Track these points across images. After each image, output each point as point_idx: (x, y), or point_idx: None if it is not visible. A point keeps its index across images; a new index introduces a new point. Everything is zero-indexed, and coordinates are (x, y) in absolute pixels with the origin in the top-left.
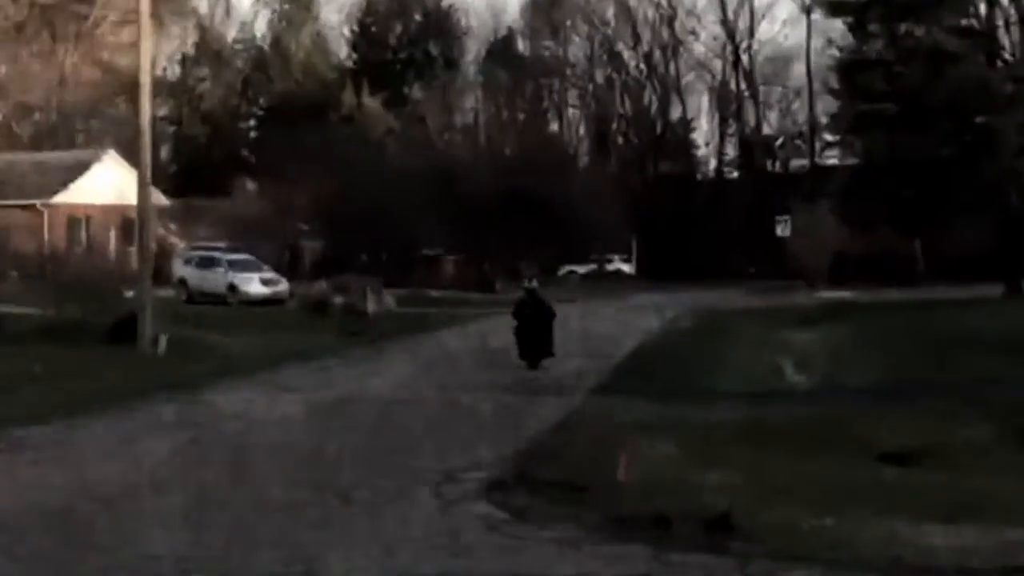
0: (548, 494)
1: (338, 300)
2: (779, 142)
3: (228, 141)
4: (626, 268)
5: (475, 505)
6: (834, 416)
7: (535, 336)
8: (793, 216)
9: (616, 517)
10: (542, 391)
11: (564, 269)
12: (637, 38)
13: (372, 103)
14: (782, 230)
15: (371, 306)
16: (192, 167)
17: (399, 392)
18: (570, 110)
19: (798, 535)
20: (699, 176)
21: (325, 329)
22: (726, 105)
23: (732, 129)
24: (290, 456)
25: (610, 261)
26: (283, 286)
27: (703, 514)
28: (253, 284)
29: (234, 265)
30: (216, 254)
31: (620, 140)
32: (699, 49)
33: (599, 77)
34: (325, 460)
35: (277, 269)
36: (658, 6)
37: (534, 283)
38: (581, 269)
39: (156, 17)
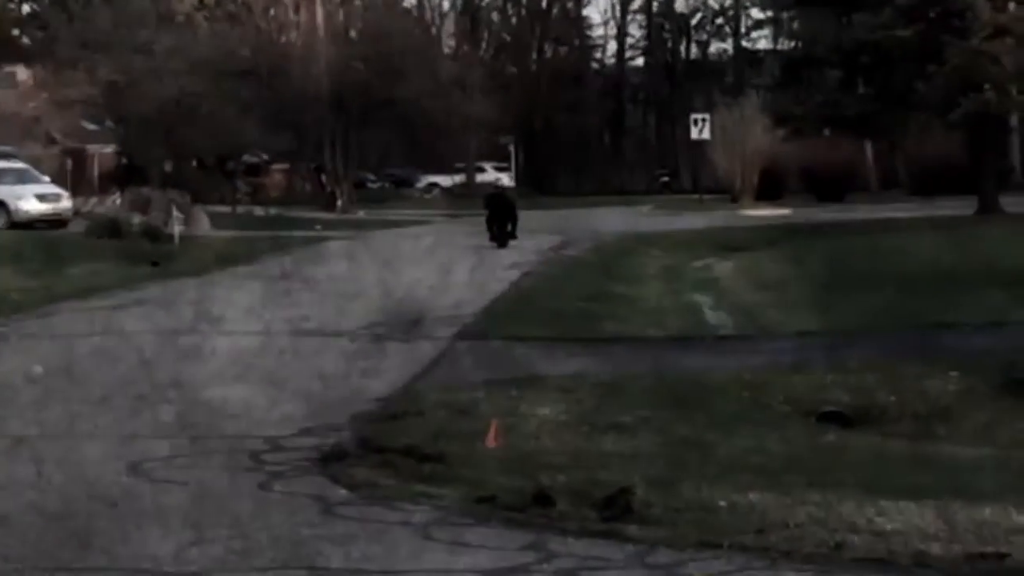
0: (398, 466)
1: (135, 220)
2: (696, 21)
3: None
4: (503, 180)
5: (306, 480)
6: (762, 367)
7: (503, 223)
8: (713, 115)
9: (484, 495)
10: (389, 336)
11: (423, 181)
12: None
13: None
14: (699, 132)
15: (177, 228)
16: None
17: (204, 340)
18: None
19: (714, 516)
20: (595, 65)
21: (117, 257)
22: None
23: (636, 4)
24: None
25: (483, 171)
26: (64, 203)
27: (595, 491)
28: (26, 200)
29: (2, 176)
30: None
31: (495, 18)
32: None
33: None
34: (103, 429)
35: (57, 181)
36: None
37: (503, 182)
38: (445, 181)
39: None
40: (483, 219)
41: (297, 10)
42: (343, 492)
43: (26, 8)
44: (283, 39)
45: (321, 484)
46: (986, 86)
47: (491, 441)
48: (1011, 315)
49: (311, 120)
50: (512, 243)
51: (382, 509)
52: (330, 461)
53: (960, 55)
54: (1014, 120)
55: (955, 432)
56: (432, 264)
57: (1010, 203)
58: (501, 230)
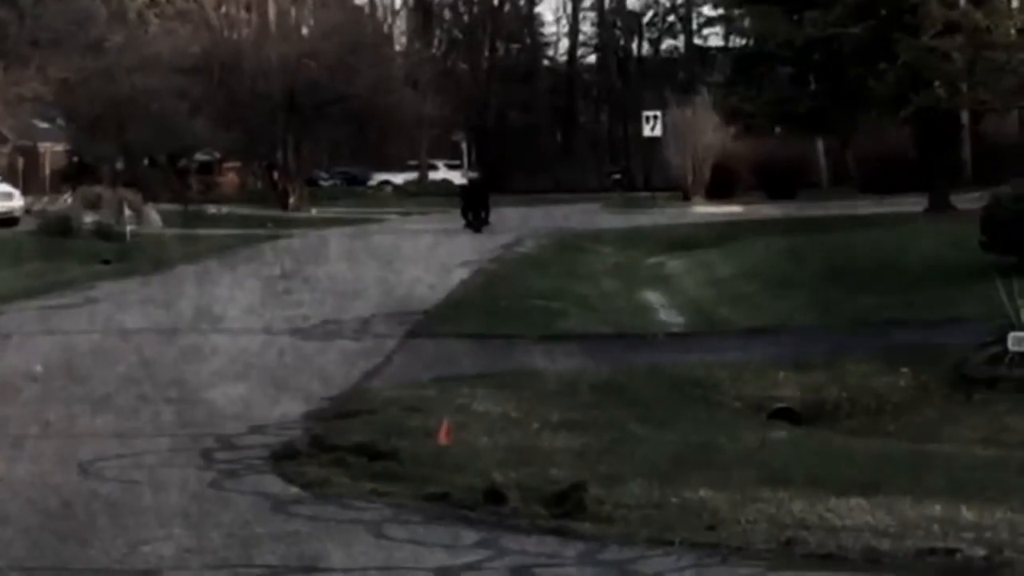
0: (350, 464)
1: (87, 219)
2: (647, 18)
3: None
4: (455, 177)
5: (258, 478)
6: (714, 364)
7: (477, 211)
8: (665, 112)
9: (435, 492)
10: (342, 334)
11: (376, 179)
12: None
13: None
14: (651, 129)
15: (129, 227)
16: None
17: (158, 338)
18: None
19: (666, 513)
20: (546, 62)
21: (68, 256)
22: None
23: (588, 2)
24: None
25: (435, 169)
26: (16, 201)
27: (547, 488)
28: None
29: None
30: None
31: (447, 15)
32: None
33: None
34: (51, 429)
35: (8, 179)
36: None
37: (475, 174)
38: (397, 179)
39: None
40: (434, 216)
41: (248, 8)
42: (295, 490)
43: None
44: (235, 36)
45: (273, 482)
46: (936, 83)
47: (443, 438)
48: (962, 312)
49: (263, 118)
50: (474, 240)
51: (334, 507)
52: (282, 459)
53: (911, 52)
54: (964, 117)
55: (906, 429)
56: (383, 262)
57: (961, 200)
58: (476, 216)
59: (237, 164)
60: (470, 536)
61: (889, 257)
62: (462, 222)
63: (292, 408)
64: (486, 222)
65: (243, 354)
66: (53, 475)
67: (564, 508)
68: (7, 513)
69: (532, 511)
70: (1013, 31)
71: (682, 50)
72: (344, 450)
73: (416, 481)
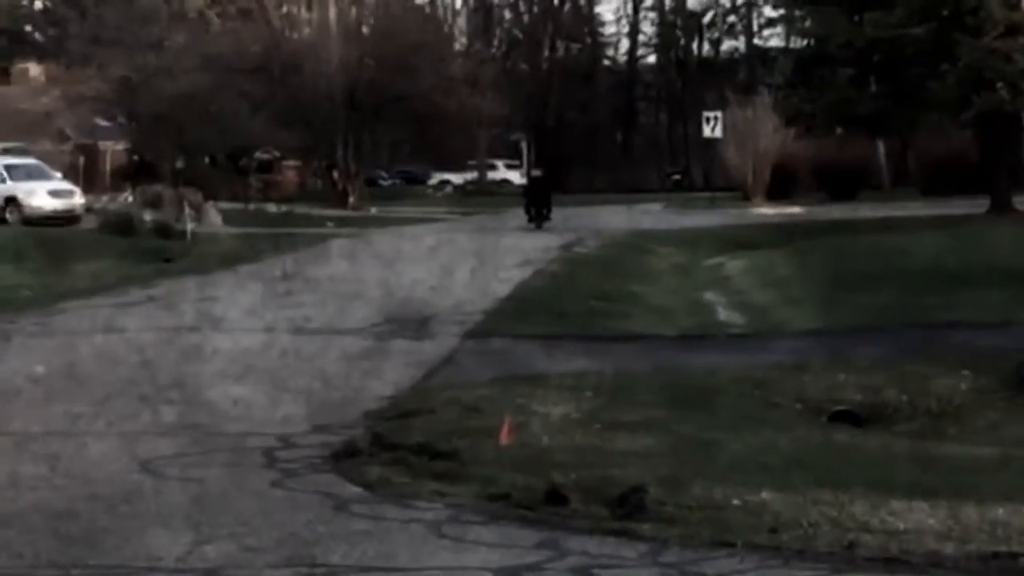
0: (411, 463)
1: (147, 217)
2: (708, 19)
3: (5, 13)
4: (514, 177)
5: (319, 477)
6: (774, 366)
7: (540, 207)
8: (725, 113)
9: (496, 492)
10: (402, 334)
11: (435, 178)
12: None
13: None
14: (711, 130)
15: (189, 225)
16: None
17: (215, 338)
18: None
19: (727, 515)
20: (606, 62)
21: (128, 254)
22: None
23: (649, 2)
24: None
25: (494, 168)
26: (76, 199)
27: (608, 490)
28: (38, 196)
29: (13, 172)
30: None
31: (507, 15)
32: None
33: None
34: (111, 427)
35: (69, 178)
36: None
37: (538, 172)
38: (456, 178)
39: None
40: (494, 215)
41: (309, 7)
42: (356, 490)
43: (38, 4)
44: (295, 36)
45: (333, 482)
46: (999, 84)
47: (504, 439)
48: (1021, 314)
49: (323, 117)
50: (534, 240)
51: (394, 507)
52: (342, 459)
53: (972, 53)
54: None
55: (966, 431)
56: (443, 262)
57: (1023, 202)
58: (538, 213)
59: (297, 163)
60: (531, 537)
61: (950, 259)
62: (522, 220)
63: (353, 407)
64: (547, 218)
65: (303, 353)
66: (116, 472)
67: (625, 509)
68: (70, 508)
69: (593, 512)
70: None
71: (742, 51)
72: (405, 449)
73: (477, 481)
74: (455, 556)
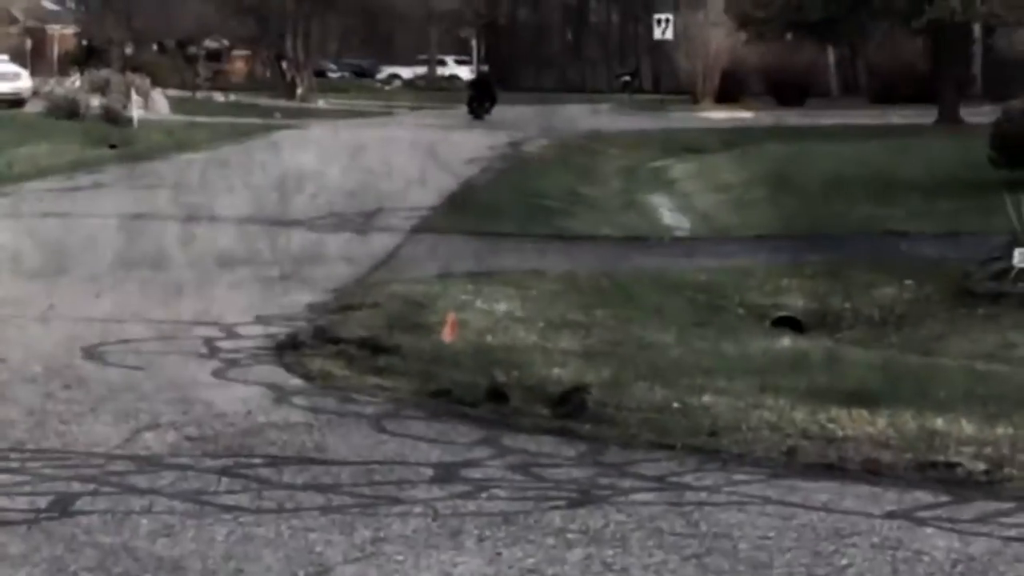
0: (353, 357)
1: (94, 102)
2: None
3: None
4: (463, 73)
5: (261, 369)
6: (719, 270)
7: (482, 101)
8: (677, 15)
9: (437, 389)
10: (347, 227)
11: (384, 72)
12: None
13: None
14: (662, 32)
15: (136, 111)
16: None
17: (163, 225)
18: None
19: (667, 417)
20: None
21: (74, 139)
22: None
23: None
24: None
25: (443, 64)
26: (23, 82)
27: (549, 388)
28: None
29: None
30: None
31: None
32: None
33: None
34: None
35: (16, 60)
36: None
37: (485, 68)
38: (406, 73)
39: None
40: (442, 111)
41: None
42: (297, 382)
43: None
44: None
45: (274, 373)
46: None
47: (447, 335)
48: (968, 226)
49: (273, 6)
50: (480, 137)
51: (335, 400)
52: (284, 351)
53: None
54: (977, 31)
55: (908, 340)
56: (389, 157)
57: (970, 113)
58: (479, 105)
59: (246, 53)
60: (471, 433)
61: (896, 168)
62: (464, 119)
63: (296, 300)
64: (488, 112)
65: (247, 244)
66: (57, 359)
67: (566, 409)
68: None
69: (534, 411)
70: None
71: None
72: (347, 343)
73: (418, 377)
74: (395, 450)
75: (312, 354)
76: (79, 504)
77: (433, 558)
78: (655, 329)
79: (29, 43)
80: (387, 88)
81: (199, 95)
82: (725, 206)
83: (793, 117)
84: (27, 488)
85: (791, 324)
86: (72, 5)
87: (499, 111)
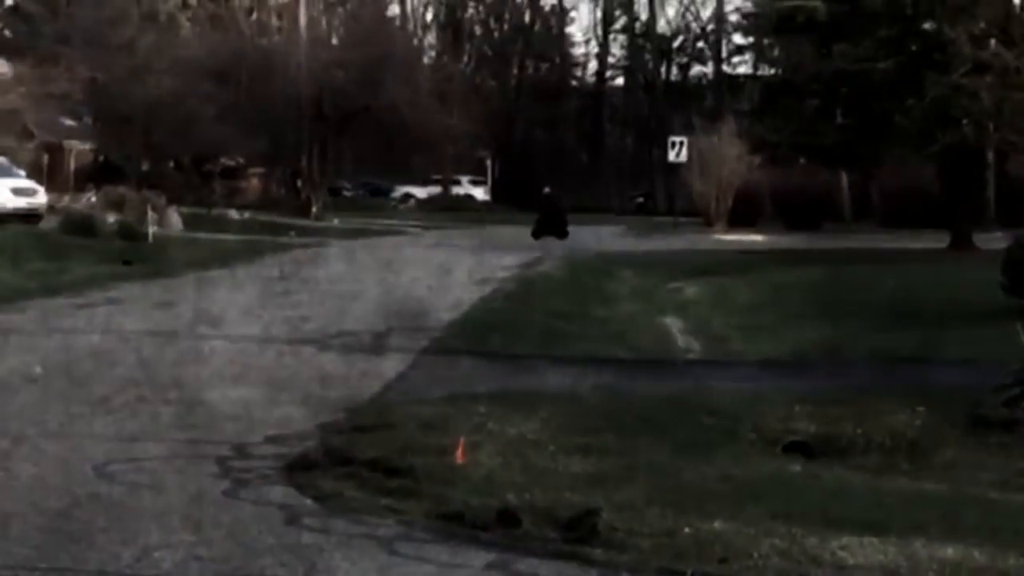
0: (364, 478)
1: (110, 219)
2: (677, 43)
3: None
4: (479, 193)
5: (272, 489)
6: (731, 394)
7: (550, 226)
8: (691, 138)
9: (449, 511)
10: (359, 347)
11: (399, 191)
12: None
13: None
14: (676, 155)
15: (152, 228)
16: None
17: (177, 343)
18: None
19: (678, 543)
20: (574, 82)
21: (90, 255)
22: None
23: (619, 24)
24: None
25: (458, 183)
26: (40, 198)
27: (561, 512)
28: (1, 193)
29: None
30: None
31: (477, 31)
32: None
33: None
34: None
35: (33, 176)
36: None
37: (547, 190)
38: (420, 192)
39: None
40: (456, 230)
41: (280, 15)
42: (307, 502)
43: (9, 1)
44: (264, 43)
45: (286, 494)
46: (964, 121)
47: (458, 457)
48: (980, 353)
49: (289, 125)
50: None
51: (346, 521)
52: (296, 470)
53: (939, 89)
54: (990, 156)
55: (920, 468)
56: (403, 276)
57: (983, 239)
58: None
59: (261, 170)
60: (482, 557)
61: (909, 294)
62: (485, 238)
63: (308, 420)
64: (565, 234)
65: (259, 362)
66: (62, 476)
67: (577, 533)
68: (16, 512)
69: (545, 534)
70: None
71: (711, 77)
72: (359, 464)
73: (430, 499)
74: (405, 573)
75: (323, 475)
76: None
77: None
78: (666, 453)
79: (46, 159)
80: (401, 207)
81: (214, 212)
82: (738, 330)
83: (806, 241)
84: None
85: (802, 449)
86: (89, 121)
87: (513, 233)
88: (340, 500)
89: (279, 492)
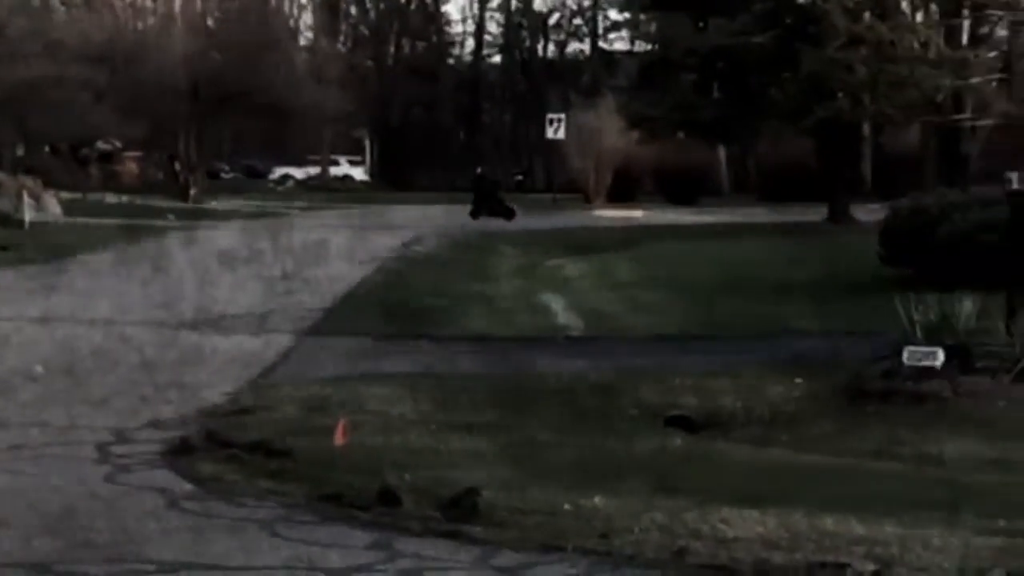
0: (245, 461)
1: None
2: (553, 20)
3: None
4: (357, 173)
5: (153, 474)
6: (612, 370)
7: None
8: (569, 115)
9: (329, 493)
10: (239, 329)
11: (277, 173)
12: None
13: None
14: (554, 132)
15: (28, 214)
16: None
17: (56, 328)
18: None
19: (559, 519)
20: (452, 61)
21: None
22: None
23: (495, 2)
24: None
25: (336, 164)
26: None
27: (441, 491)
28: None
29: None
30: None
31: (353, 11)
32: None
33: None
34: None
35: None
36: None
37: (479, 170)
38: (298, 173)
39: None
40: (335, 211)
41: None
42: (188, 486)
43: None
44: (140, 26)
45: (166, 478)
46: (840, 94)
47: (338, 439)
48: (858, 324)
49: (166, 108)
50: (374, 237)
51: (227, 504)
52: (176, 455)
53: (814, 62)
54: (866, 129)
55: (799, 439)
56: (283, 257)
57: (860, 211)
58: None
59: (138, 154)
60: (363, 538)
61: (788, 267)
62: (365, 218)
63: (188, 404)
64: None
65: (140, 347)
66: None
67: (458, 512)
68: None
69: (426, 514)
70: (916, 45)
71: (588, 53)
72: (239, 447)
73: (310, 481)
74: (286, 555)
75: (204, 458)
76: None
77: None
78: (548, 430)
79: None
80: (280, 189)
81: (92, 197)
82: (619, 306)
83: (685, 216)
84: None
85: (684, 424)
86: None
87: (393, 212)
88: (221, 483)
89: (160, 476)
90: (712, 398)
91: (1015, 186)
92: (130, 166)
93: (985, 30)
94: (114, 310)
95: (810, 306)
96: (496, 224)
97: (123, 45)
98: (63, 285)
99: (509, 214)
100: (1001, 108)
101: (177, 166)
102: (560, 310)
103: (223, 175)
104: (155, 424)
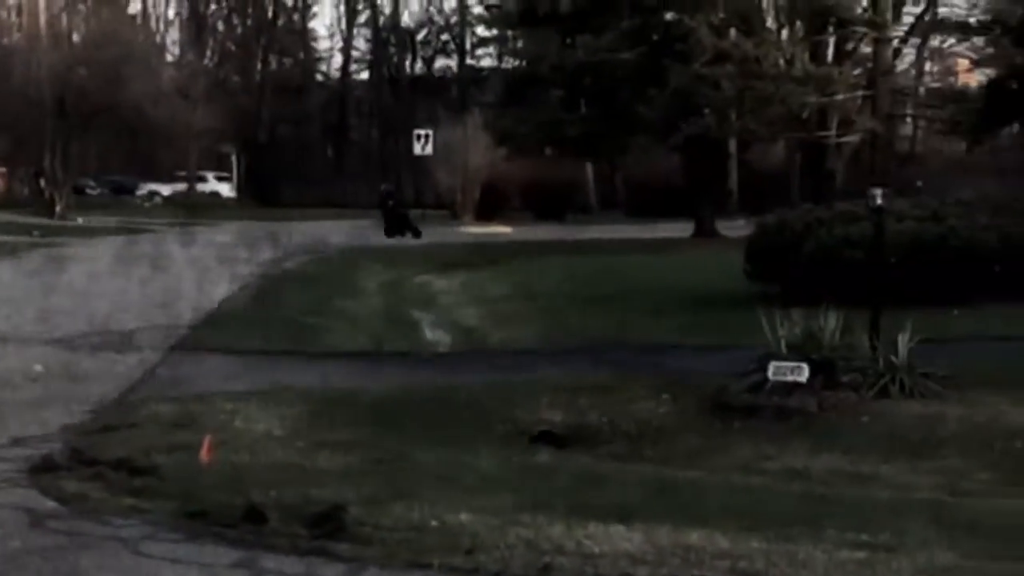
0: (110, 479)
1: None
2: (421, 36)
3: None
4: (224, 190)
5: (15, 492)
6: (480, 385)
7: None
8: (437, 131)
9: (195, 510)
10: (105, 346)
11: (144, 189)
12: None
13: None
14: (422, 148)
15: None
16: None
17: None
18: None
19: (426, 536)
20: (319, 77)
21: None
22: None
23: (363, 18)
24: None
25: (204, 180)
26: None
27: (308, 508)
28: None
29: None
30: None
31: (220, 27)
32: None
33: None
34: None
35: None
36: None
37: (384, 187)
38: (166, 189)
39: None
40: (202, 228)
41: (19, 13)
42: (52, 504)
43: None
44: (4, 41)
45: (29, 496)
46: (706, 110)
47: (204, 456)
48: (724, 339)
49: (31, 124)
50: (242, 253)
51: (91, 523)
52: (40, 472)
53: (681, 79)
54: (732, 146)
55: (665, 454)
56: (150, 274)
57: (726, 227)
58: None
59: (2, 169)
60: (228, 555)
61: (655, 282)
62: (230, 234)
63: (54, 421)
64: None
65: (2, 364)
66: None
67: (324, 529)
68: None
69: (292, 531)
70: (781, 62)
71: (455, 69)
72: (103, 464)
73: (176, 498)
74: (151, 573)
75: (68, 476)
76: None
77: None
78: (414, 446)
79: None
80: (147, 205)
81: None
82: (487, 321)
83: (552, 232)
84: None
85: (551, 439)
86: None
87: (259, 228)
88: (85, 501)
89: (22, 495)
90: (579, 413)
91: (879, 202)
92: None
93: (850, 47)
94: None
95: (677, 321)
96: (362, 240)
97: None
98: None
99: (416, 233)
100: (865, 124)
101: (43, 182)
102: (429, 326)
103: (89, 191)
104: (19, 441)
